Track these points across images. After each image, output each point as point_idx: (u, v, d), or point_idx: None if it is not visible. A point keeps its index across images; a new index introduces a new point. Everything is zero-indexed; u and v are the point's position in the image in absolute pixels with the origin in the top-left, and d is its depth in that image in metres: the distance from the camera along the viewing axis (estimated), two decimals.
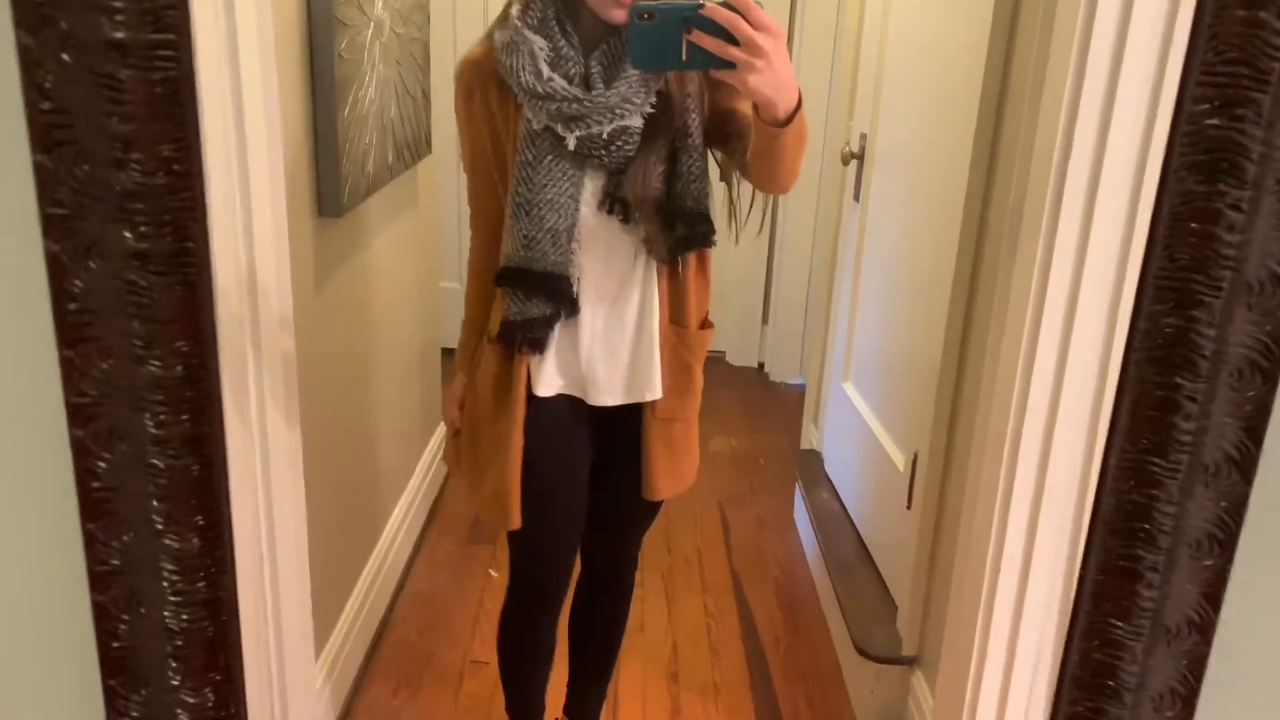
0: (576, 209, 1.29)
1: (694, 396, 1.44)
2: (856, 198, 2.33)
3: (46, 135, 0.57)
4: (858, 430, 2.30)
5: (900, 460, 2.03)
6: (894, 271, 2.13)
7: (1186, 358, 0.59)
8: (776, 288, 3.61)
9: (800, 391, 3.44)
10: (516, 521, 1.40)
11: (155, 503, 0.64)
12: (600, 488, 1.54)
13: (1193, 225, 0.57)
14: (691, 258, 1.37)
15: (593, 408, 1.41)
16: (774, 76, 1.07)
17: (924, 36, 2.01)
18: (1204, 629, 0.66)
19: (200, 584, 0.66)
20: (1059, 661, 1.56)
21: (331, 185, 1.72)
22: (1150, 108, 1.17)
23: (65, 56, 0.55)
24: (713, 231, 1.35)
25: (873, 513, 2.23)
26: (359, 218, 1.93)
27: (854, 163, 2.34)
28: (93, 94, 0.56)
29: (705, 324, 1.45)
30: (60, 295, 0.60)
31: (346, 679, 1.93)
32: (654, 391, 1.39)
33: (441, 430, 2.85)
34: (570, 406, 1.41)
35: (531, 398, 1.38)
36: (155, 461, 0.63)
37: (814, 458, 2.67)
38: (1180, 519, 0.62)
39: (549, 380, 1.38)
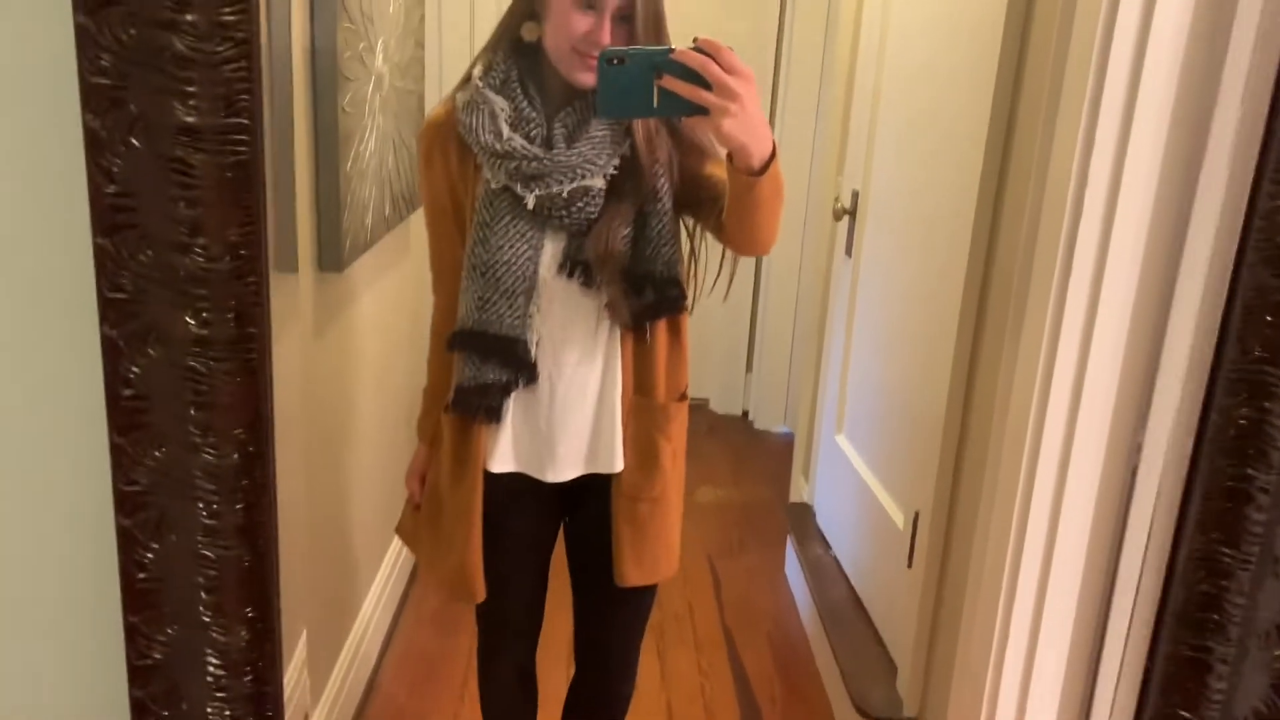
0: (535, 271, 1.25)
1: (661, 474, 1.35)
2: (849, 253, 2.35)
3: (109, 218, 0.55)
4: (853, 485, 2.30)
5: (899, 518, 2.02)
6: (891, 326, 2.15)
7: (1260, 450, 0.59)
8: (761, 335, 3.62)
9: (785, 440, 3.44)
10: (481, 594, 1.35)
11: (204, 594, 0.62)
12: (576, 573, 1.48)
13: (1267, 319, 0.57)
14: (661, 325, 1.32)
15: (555, 484, 1.34)
16: (747, 120, 1.06)
17: (922, 94, 2.04)
18: None
19: (247, 679, 0.64)
20: None
21: (332, 240, 1.70)
22: (1163, 170, 1.18)
23: (134, 140, 0.54)
24: (683, 297, 1.31)
25: (870, 570, 2.22)
26: (356, 271, 1.91)
27: (845, 218, 2.36)
28: (161, 178, 0.55)
29: (681, 397, 1.38)
30: (114, 381, 0.58)
31: None
32: (614, 464, 1.32)
33: None
34: (527, 482, 1.34)
35: (488, 472, 1.32)
36: (206, 552, 0.61)
37: (805, 510, 2.66)
38: (1251, 610, 0.62)
39: (502, 456, 1.32)
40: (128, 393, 0.58)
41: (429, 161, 1.31)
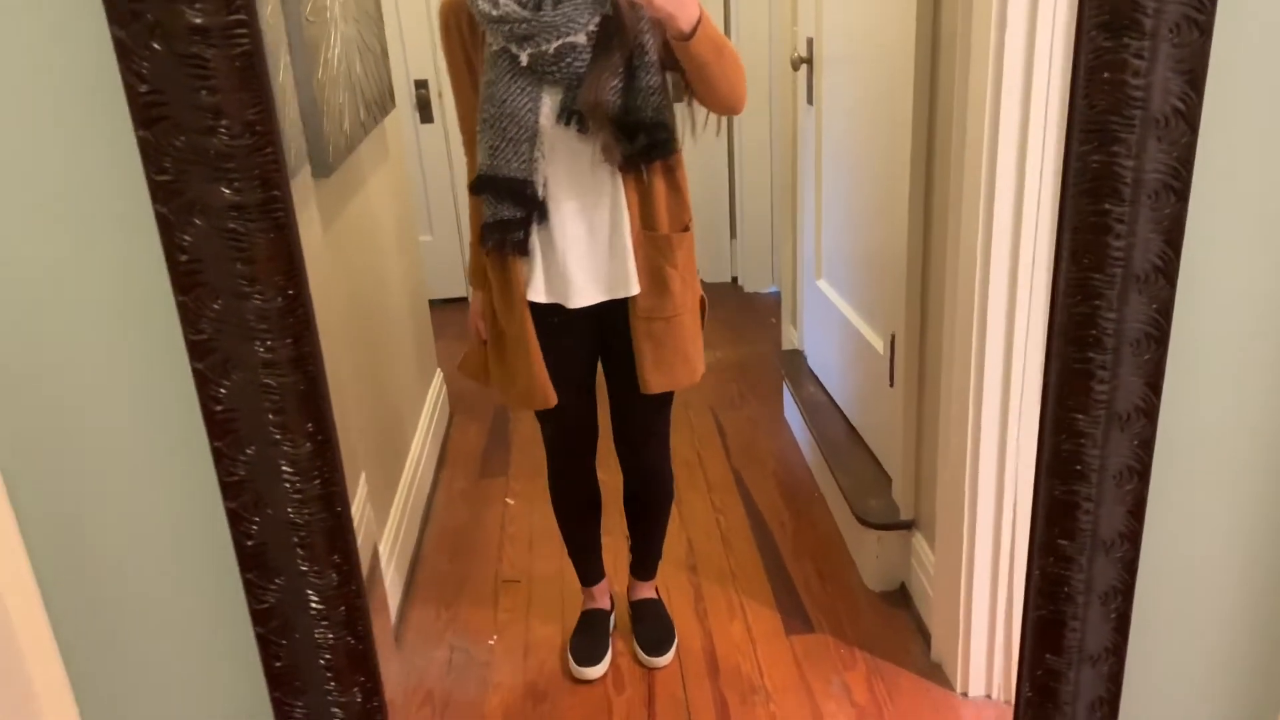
0: (536, 121, 1.44)
1: (671, 297, 1.58)
2: (810, 101, 2.43)
3: (146, 113, 0.67)
4: (837, 323, 2.44)
5: (879, 343, 2.17)
6: (855, 168, 2.25)
7: (1113, 187, 0.72)
8: (741, 202, 3.73)
9: (774, 299, 3.58)
10: (553, 399, 1.60)
11: (271, 416, 0.76)
12: (610, 382, 1.75)
13: (1105, 75, 0.69)
14: (658, 166, 1.51)
15: (586, 309, 1.57)
16: None
17: None
18: (1150, 413, 0.79)
19: (316, 482, 0.79)
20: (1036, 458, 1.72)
21: (317, 145, 1.80)
22: None
23: (155, 44, 0.65)
24: (672, 140, 1.50)
25: (858, 396, 2.38)
26: (343, 176, 2.02)
27: (804, 67, 2.44)
28: (182, 74, 0.66)
29: (683, 229, 1.59)
30: (172, 250, 0.71)
31: (391, 606, 2.07)
32: (629, 289, 1.55)
33: (439, 377, 2.97)
34: (561, 309, 1.58)
35: (531, 302, 1.55)
36: (268, 381, 0.75)
37: (797, 356, 2.81)
38: (1120, 323, 0.76)
39: (535, 288, 1.55)
40: (184, 258, 0.71)
41: (447, 33, 1.52)
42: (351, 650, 0.85)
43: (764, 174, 3.61)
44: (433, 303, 3.14)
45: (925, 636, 1.98)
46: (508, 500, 2.57)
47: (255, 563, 0.80)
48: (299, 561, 0.80)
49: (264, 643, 0.83)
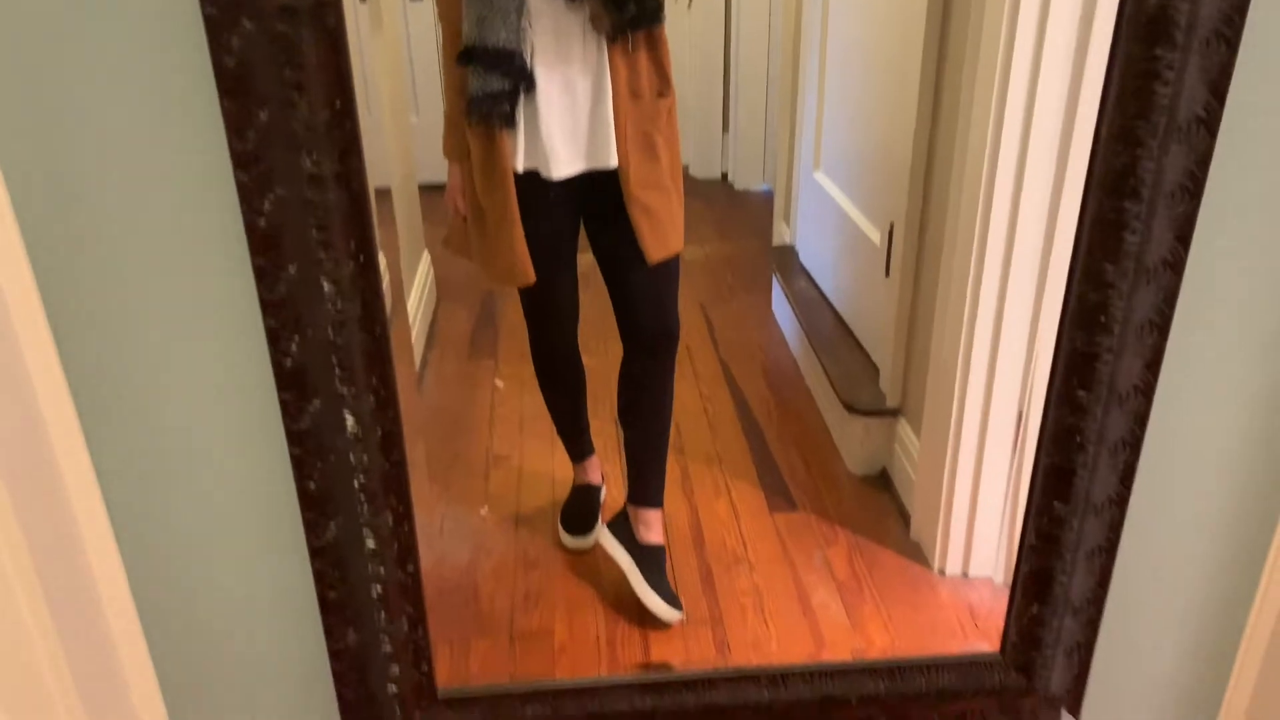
0: None
1: (659, 162, 1.58)
2: None
3: None
4: (833, 216, 2.44)
5: (876, 235, 2.18)
6: (864, 57, 2.23)
7: (1166, 32, 0.72)
8: (735, 94, 3.67)
9: (766, 198, 3.56)
10: (532, 277, 1.62)
11: (315, 233, 0.75)
12: (606, 264, 1.73)
13: None
14: (641, 36, 1.51)
15: (567, 181, 1.56)
16: None
17: None
18: (1176, 267, 0.82)
19: (356, 303, 0.79)
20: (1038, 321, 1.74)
21: None
22: None
23: None
24: (660, 9, 1.50)
25: (851, 288, 2.40)
26: None
27: None
28: None
29: (661, 94, 1.58)
30: (219, 53, 0.70)
31: None
32: (610, 159, 1.55)
33: (426, 259, 2.95)
34: (543, 180, 1.57)
35: (515, 174, 1.54)
36: (311, 198, 0.75)
37: (788, 252, 2.82)
38: (1159, 174, 0.77)
39: (519, 157, 1.54)
40: (231, 62, 0.70)
41: None
42: (386, 474, 0.86)
43: (761, 66, 3.55)
44: (426, 187, 3.09)
45: (905, 518, 2.04)
46: (497, 382, 2.59)
47: (293, 383, 0.81)
48: (337, 383, 0.81)
49: (299, 464, 0.84)
